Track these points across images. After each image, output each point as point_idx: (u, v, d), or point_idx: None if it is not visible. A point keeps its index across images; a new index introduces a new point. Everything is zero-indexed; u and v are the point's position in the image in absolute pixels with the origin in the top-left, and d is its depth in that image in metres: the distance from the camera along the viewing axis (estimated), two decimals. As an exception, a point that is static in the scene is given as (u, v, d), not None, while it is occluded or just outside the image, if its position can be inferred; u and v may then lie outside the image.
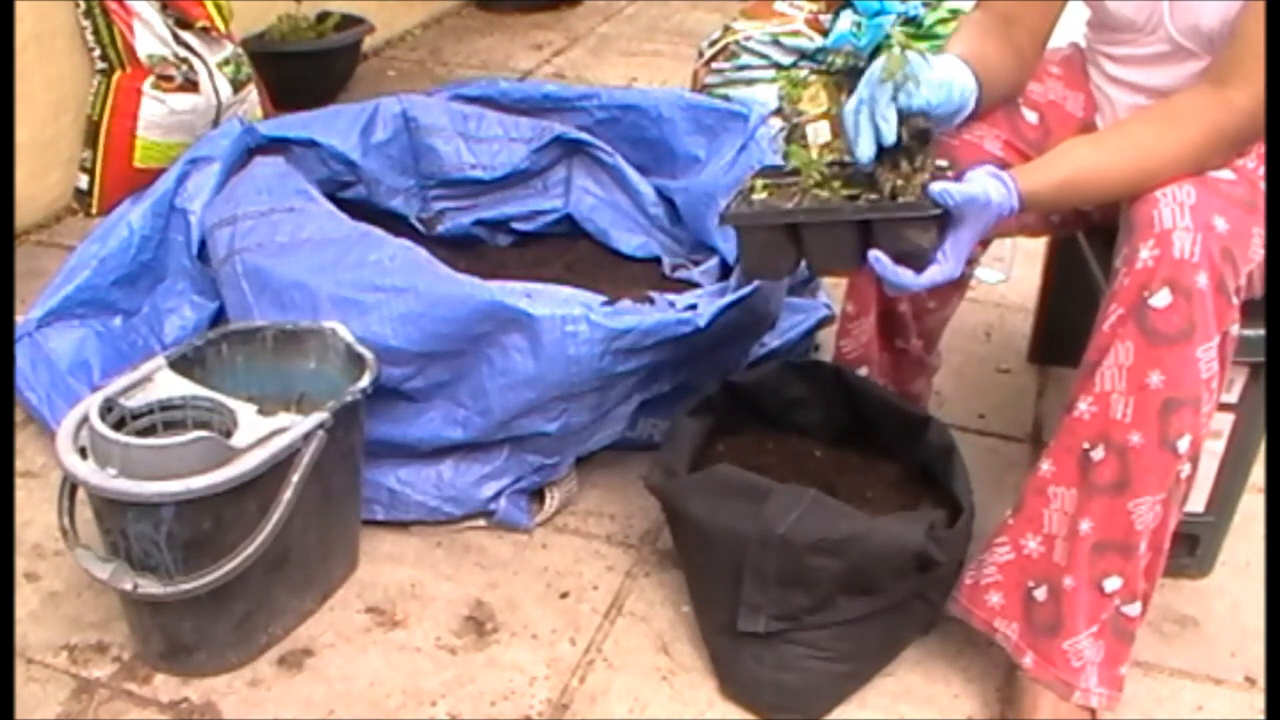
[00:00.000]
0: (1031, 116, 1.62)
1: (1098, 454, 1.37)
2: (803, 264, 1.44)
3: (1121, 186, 1.38)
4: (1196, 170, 1.37)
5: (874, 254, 1.33)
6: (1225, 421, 1.61)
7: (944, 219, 1.33)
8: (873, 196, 1.37)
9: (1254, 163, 1.42)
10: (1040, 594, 1.46)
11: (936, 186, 1.31)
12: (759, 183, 1.48)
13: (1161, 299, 1.30)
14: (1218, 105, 1.36)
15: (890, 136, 1.35)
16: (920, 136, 1.37)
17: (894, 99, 1.34)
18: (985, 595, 1.51)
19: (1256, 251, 1.38)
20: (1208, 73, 1.41)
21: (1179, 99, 1.40)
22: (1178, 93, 1.42)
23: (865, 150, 1.36)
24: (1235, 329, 1.34)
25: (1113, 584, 1.42)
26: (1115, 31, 1.56)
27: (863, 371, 1.72)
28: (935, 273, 1.34)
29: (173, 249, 2.00)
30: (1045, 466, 1.44)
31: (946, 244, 1.34)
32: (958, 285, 1.73)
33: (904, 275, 1.34)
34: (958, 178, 1.35)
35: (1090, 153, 1.39)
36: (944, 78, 1.40)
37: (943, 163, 1.41)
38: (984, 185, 1.32)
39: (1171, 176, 1.35)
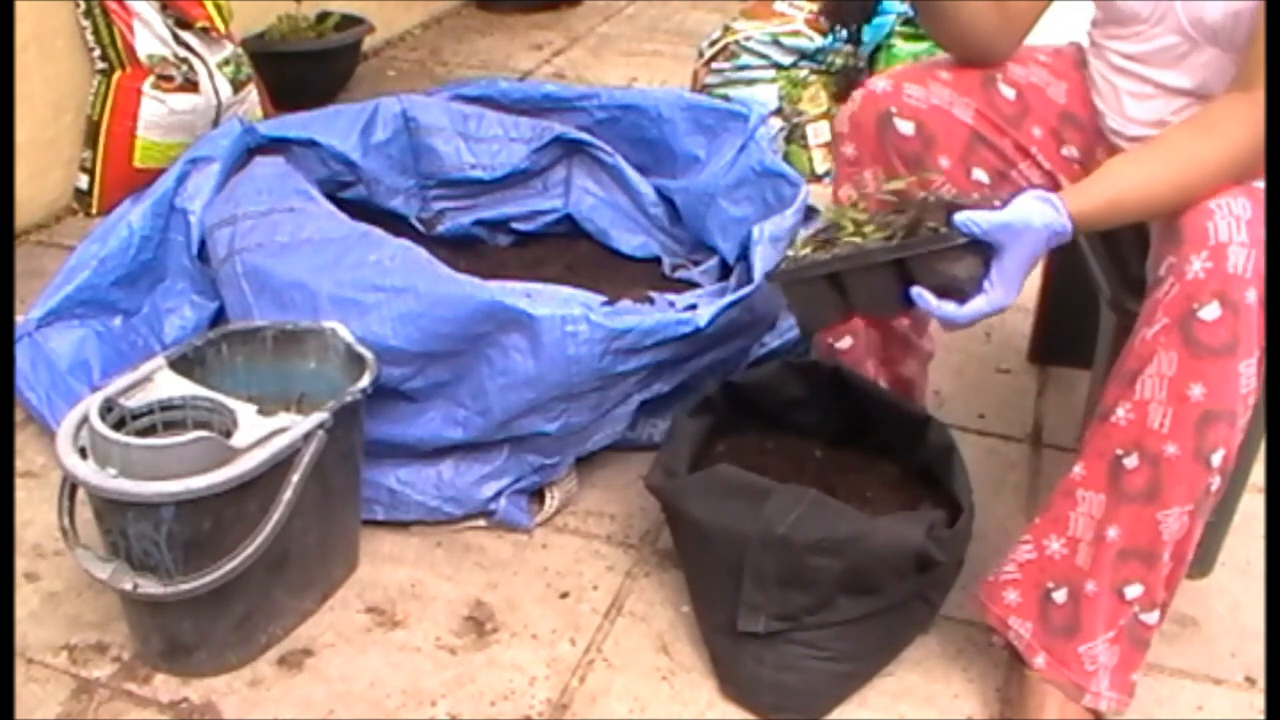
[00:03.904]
0: (1009, 93, 1.62)
1: (1131, 461, 1.37)
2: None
3: (1168, 200, 1.36)
4: (1242, 178, 1.35)
5: (915, 290, 1.35)
6: (1225, 421, 1.61)
7: (987, 248, 1.33)
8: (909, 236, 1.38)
9: None
10: (1059, 596, 1.45)
11: (960, 216, 1.31)
12: (800, 241, 1.52)
13: (1210, 312, 1.29)
14: (1251, 108, 1.34)
15: None
16: None
17: None
18: (1003, 592, 1.51)
19: None
20: (1236, 78, 1.40)
21: (1212, 108, 1.39)
22: (1210, 102, 1.41)
23: None
24: None
25: (1134, 591, 1.41)
26: (1121, 25, 1.56)
27: (846, 343, 1.72)
28: (981, 303, 1.34)
29: (173, 249, 2.00)
30: (1077, 470, 1.43)
31: (992, 273, 1.33)
32: None
33: (947, 308, 1.34)
34: (1003, 205, 1.34)
35: (1133, 169, 1.37)
36: None
37: (998, 199, 1.40)
38: (1023, 211, 1.31)
39: (1217, 186, 1.34)
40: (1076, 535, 1.43)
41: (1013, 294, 1.34)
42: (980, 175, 1.63)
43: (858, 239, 1.43)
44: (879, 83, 1.63)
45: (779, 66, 2.97)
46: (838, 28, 1.64)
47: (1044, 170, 1.65)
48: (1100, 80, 1.63)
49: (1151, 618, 1.43)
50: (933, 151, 1.59)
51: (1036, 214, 1.31)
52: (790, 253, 1.51)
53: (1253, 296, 1.28)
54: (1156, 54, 1.53)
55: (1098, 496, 1.40)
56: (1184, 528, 1.38)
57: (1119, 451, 1.37)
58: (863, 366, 1.76)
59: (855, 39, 1.64)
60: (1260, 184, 1.36)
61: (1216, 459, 1.34)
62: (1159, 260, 1.37)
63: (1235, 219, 1.30)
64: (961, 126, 1.59)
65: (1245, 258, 1.28)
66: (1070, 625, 1.45)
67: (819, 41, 2.96)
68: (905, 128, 1.58)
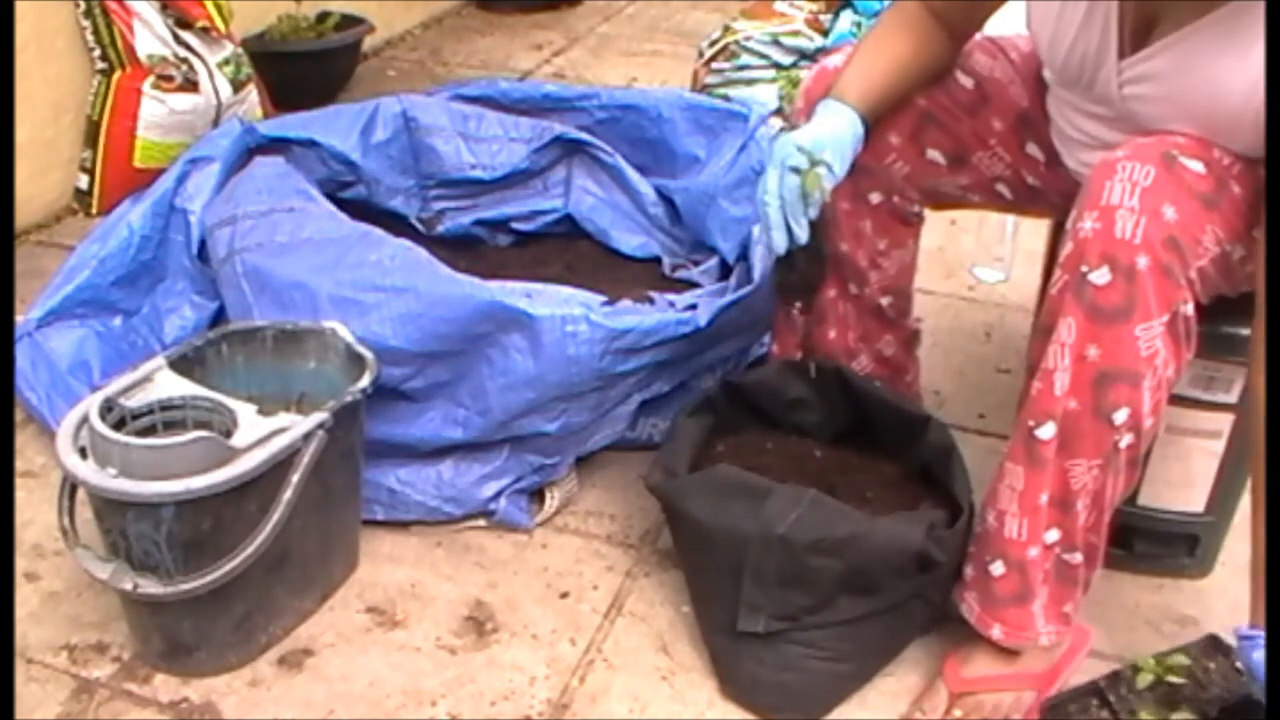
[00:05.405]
0: (967, 82, 1.62)
1: (1043, 432, 1.38)
2: None
3: None
4: None
5: None
6: (1225, 421, 1.61)
7: None
8: None
9: (1229, 159, 1.37)
10: (996, 568, 1.47)
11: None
12: None
13: (1100, 276, 1.30)
14: None
15: (803, 238, 1.47)
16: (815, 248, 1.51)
17: (806, 210, 1.45)
18: (964, 567, 1.52)
19: (1209, 248, 1.35)
20: None
21: None
22: None
23: (781, 244, 1.47)
24: (1187, 308, 1.33)
25: (1052, 536, 1.43)
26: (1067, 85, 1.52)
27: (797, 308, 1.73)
28: None
29: (173, 249, 2.00)
30: (1009, 442, 1.45)
31: None
32: (910, 226, 1.72)
33: None
34: None
35: None
36: (842, 161, 1.48)
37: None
38: None
39: None
40: (1002, 507, 1.45)
41: None
42: (935, 156, 1.63)
43: None
44: (833, 59, 1.63)
45: (779, 66, 2.97)
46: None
47: (1006, 162, 1.65)
48: (1068, 126, 1.59)
49: (1074, 557, 1.45)
50: (883, 129, 1.59)
51: None
52: None
53: (1144, 263, 1.28)
54: (1101, 119, 1.51)
55: (1017, 469, 1.42)
56: (1096, 480, 1.39)
57: (1031, 423, 1.39)
58: (824, 325, 1.75)
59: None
60: (1186, 161, 1.34)
61: (1120, 417, 1.34)
62: (1073, 215, 1.38)
63: (1132, 184, 1.30)
64: (912, 106, 1.59)
65: (1134, 224, 1.28)
66: (1021, 592, 1.46)
67: (819, 41, 2.96)
68: None
